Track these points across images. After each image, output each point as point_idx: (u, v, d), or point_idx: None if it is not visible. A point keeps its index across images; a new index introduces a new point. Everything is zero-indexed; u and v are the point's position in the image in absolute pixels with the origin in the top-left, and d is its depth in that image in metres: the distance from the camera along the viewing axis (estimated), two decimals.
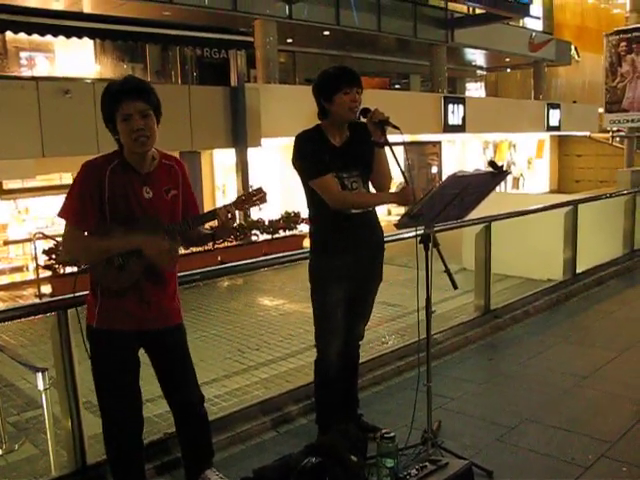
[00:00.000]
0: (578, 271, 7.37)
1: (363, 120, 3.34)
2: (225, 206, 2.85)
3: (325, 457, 3.03)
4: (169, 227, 2.82)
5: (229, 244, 11.93)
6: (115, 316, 2.80)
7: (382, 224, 3.65)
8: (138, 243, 2.72)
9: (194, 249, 11.13)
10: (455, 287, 3.18)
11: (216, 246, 11.73)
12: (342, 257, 3.42)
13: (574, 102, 27.77)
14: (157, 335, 2.91)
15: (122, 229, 2.73)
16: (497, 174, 3.17)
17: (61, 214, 2.76)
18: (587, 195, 9.40)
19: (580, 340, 5.56)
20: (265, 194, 2.90)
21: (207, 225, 3.03)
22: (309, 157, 3.36)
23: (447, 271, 3.17)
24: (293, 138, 3.43)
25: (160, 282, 2.87)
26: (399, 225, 3.13)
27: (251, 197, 2.90)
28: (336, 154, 3.37)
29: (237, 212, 2.91)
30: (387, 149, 3.33)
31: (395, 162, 3.21)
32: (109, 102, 2.70)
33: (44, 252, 10.39)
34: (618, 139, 24.42)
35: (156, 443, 3.53)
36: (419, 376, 3.45)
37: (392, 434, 3.06)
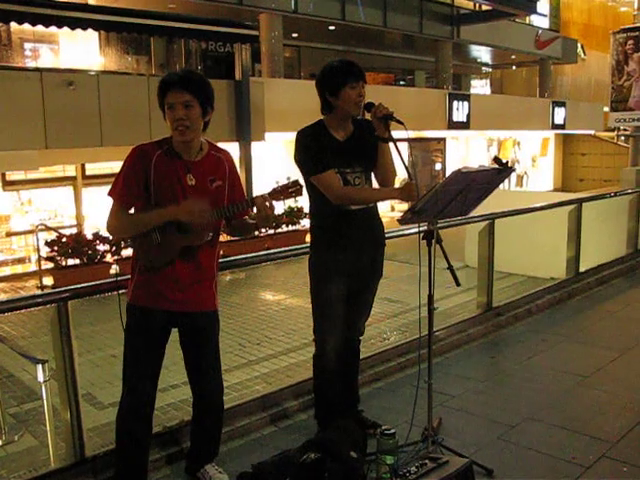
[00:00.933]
0: (581, 270, 7.35)
1: (367, 114, 3.32)
2: (262, 195, 2.90)
3: (324, 453, 3.02)
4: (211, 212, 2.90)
5: (231, 238, 11.90)
6: (147, 294, 2.93)
7: (385, 220, 3.63)
8: (174, 209, 2.83)
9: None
10: (458, 284, 3.17)
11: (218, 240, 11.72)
12: (342, 253, 3.40)
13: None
14: (187, 318, 3.00)
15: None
16: (502, 171, 3.14)
17: (110, 193, 2.92)
18: (591, 194, 9.37)
19: (582, 339, 5.54)
20: (301, 187, 2.93)
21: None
22: (311, 153, 3.34)
23: (450, 268, 3.15)
24: (297, 132, 3.41)
25: (197, 265, 2.96)
26: (402, 221, 3.11)
27: (287, 189, 2.92)
28: (339, 149, 3.35)
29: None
30: (391, 145, 3.31)
31: (399, 157, 3.19)
32: (159, 91, 2.87)
33: (46, 244, 10.38)
34: (623, 138, 24.35)
35: (158, 435, 3.52)
36: (420, 373, 3.44)
37: (392, 431, 3.05)
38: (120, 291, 3.13)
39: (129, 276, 3.03)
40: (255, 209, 2.90)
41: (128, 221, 2.92)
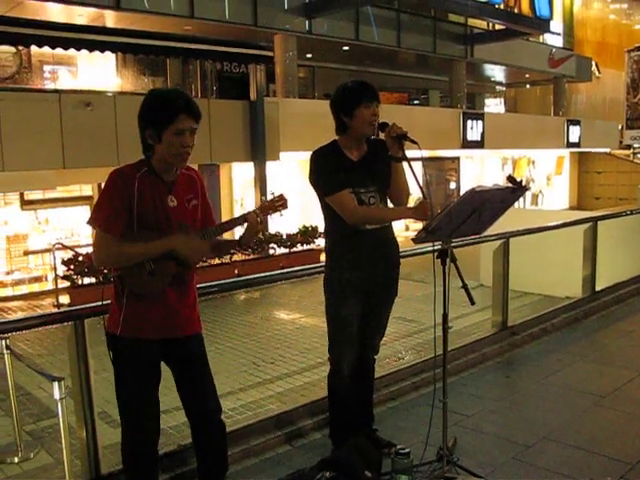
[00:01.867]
0: (597, 289, 7.29)
1: (381, 134, 3.34)
2: (254, 211, 2.92)
3: (339, 472, 3.01)
4: (203, 231, 2.89)
5: (246, 257, 11.96)
6: (140, 324, 2.82)
7: (400, 239, 3.64)
8: (172, 243, 2.78)
9: (211, 261, 11.20)
10: (472, 302, 3.16)
11: (234, 259, 11.78)
12: (357, 272, 3.42)
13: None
14: (179, 344, 2.93)
15: (156, 234, 2.78)
16: (516, 189, 3.15)
17: (91, 222, 2.79)
18: (607, 212, 9.32)
19: (599, 359, 5.50)
20: (286, 200, 2.97)
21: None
22: (325, 173, 3.37)
23: (464, 286, 3.15)
24: (311, 152, 3.44)
25: (184, 290, 2.92)
26: (416, 240, 3.12)
27: (273, 203, 2.97)
28: (353, 169, 3.37)
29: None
30: (405, 164, 3.33)
31: (413, 177, 3.21)
32: (164, 111, 2.73)
33: (63, 262, 10.47)
34: (639, 156, 24.24)
35: (170, 454, 3.53)
36: (435, 392, 3.43)
37: (407, 450, 3.05)
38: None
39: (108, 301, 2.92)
40: (245, 225, 2.90)
41: (120, 252, 2.76)
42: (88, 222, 2.80)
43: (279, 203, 2.96)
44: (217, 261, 11.37)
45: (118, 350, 2.88)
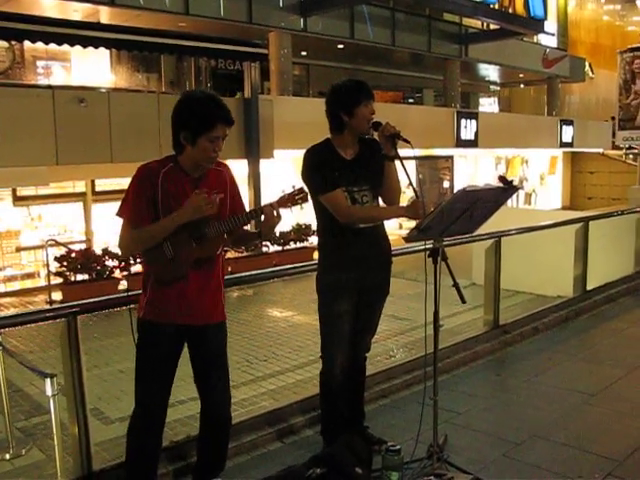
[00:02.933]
0: (588, 288, 7.34)
1: (374, 133, 3.36)
2: (271, 204, 2.98)
3: (330, 469, 3.03)
4: (218, 223, 2.94)
5: (239, 255, 11.96)
6: (160, 309, 2.94)
7: (393, 238, 3.66)
8: (179, 212, 2.84)
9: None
10: (463, 301, 3.19)
11: (227, 257, 11.77)
12: (350, 270, 3.43)
13: (612, 118, 27.56)
14: (200, 331, 3.02)
15: (181, 227, 2.87)
16: (507, 189, 3.17)
17: (119, 213, 2.94)
18: (598, 212, 9.37)
19: (589, 357, 5.54)
20: (306, 194, 3.03)
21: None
22: (318, 172, 3.38)
23: (455, 285, 3.18)
24: (305, 150, 3.45)
25: (207, 278, 3.00)
26: (408, 238, 3.14)
27: (293, 196, 3.01)
28: (347, 168, 3.39)
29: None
30: (398, 163, 3.35)
31: (405, 175, 3.23)
32: (203, 119, 2.83)
33: (56, 259, 10.44)
34: (631, 156, 24.34)
35: (164, 450, 3.54)
36: (425, 390, 3.45)
37: (398, 447, 3.07)
38: (130, 306, 3.16)
39: (139, 291, 3.04)
40: (263, 217, 2.96)
41: (139, 235, 2.90)
42: (116, 214, 2.94)
43: (299, 196, 3.01)
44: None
45: (140, 331, 3.00)
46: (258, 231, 3.10)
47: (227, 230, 2.97)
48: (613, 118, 26.08)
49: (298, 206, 3.05)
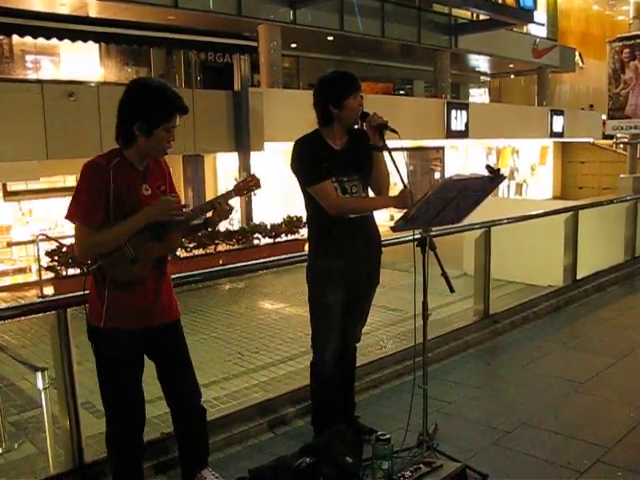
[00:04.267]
0: (578, 277, 7.37)
1: (362, 124, 3.37)
2: (224, 195, 2.95)
3: (320, 458, 3.05)
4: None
5: (231, 247, 11.96)
6: (122, 314, 2.83)
7: (384, 229, 3.67)
8: (143, 213, 2.77)
9: (196, 252, 11.21)
10: (452, 290, 3.20)
11: (218, 249, 11.78)
12: (340, 261, 3.44)
13: (591, 106, 27.85)
14: (160, 331, 2.97)
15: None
16: (494, 178, 3.19)
17: (69, 216, 2.78)
18: (588, 201, 9.41)
19: (579, 346, 5.57)
20: (259, 180, 3.00)
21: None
22: (308, 163, 3.39)
23: (444, 274, 3.19)
24: (295, 141, 3.46)
25: (160, 276, 2.95)
26: (395, 228, 3.15)
27: (246, 183, 2.99)
28: (336, 158, 3.39)
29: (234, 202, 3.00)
30: (386, 154, 3.36)
31: (394, 166, 3.24)
32: (162, 110, 2.77)
33: (47, 254, 10.43)
34: (621, 146, 24.43)
35: (153, 443, 3.55)
36: (415, 379, 3.47)
37: (387, 436, 3.08)
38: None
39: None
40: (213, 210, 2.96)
41: (99, 239, 2.74)
42: (66, 217, 2.79)
43: (252, 183, 2.99)
44: (202, 251, 11.39)
45: (101, 342, 2.88)
46: (204, 220, 3.04)
47: (188, 223, 2.94)
48: (591, 106, 26.31)
49: (252, 193, 3.05)
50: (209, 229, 3.16)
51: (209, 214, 3.02)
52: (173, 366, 3.07)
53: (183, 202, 2.92)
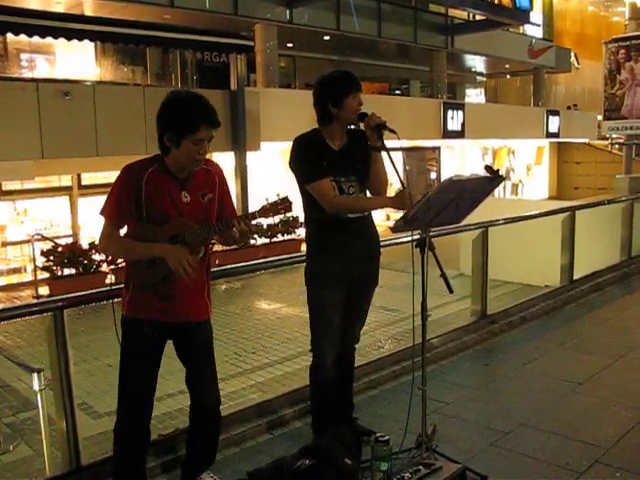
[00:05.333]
0: (575, 277, 7.37)
1: (360, 124, 3.35)
2: (248, 215, 2.90)
3: (319, 460, 3.03)
4: (194, 232, 2.87)
5: (227, 248, 11.91)
6: (143, 307, 2.92)
7: (381, 229, 3.66)
8: (160, 251, 2.82)
9: None
10: (451, 291, 3.19)
11: (214, 250, 11.74)
12: (338, 262, 3.42)
13: (574, 105, 27.96)
14: (183, 329, 3.00)
15: (153, 228, 2.85)
16: (493, 179, 3.17)
17: (102, 212, 2.90)
18: (585, 202, 9.42)
19: (576, 346, 5.57)
20: (291, 204, 2.92)
21: None
22: (307, 161, 3.37)
23: (443, 275, 3.18)
24: (294, 139, 3.44)
25: (191, 280, 2.93)
26: (394, 229, 3.14)
27: (276, 206, 2.92)
28: (334, 158, 3.38)
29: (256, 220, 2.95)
30: (384, 154, 3.34)
31: (392, 166, 3.22)
32: (186, 121, 2.77)
33: (42, 253, 10.39)
34: (617, 146, 24.48)
35: (152, 444, 3.53)
36: (414, 380, 3.46)
37: (386, 437, 3.07)
38: (114, 300, 3.14)
39: (122, 285, 3.01)
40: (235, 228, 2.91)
41: (118, 246, 2.95)
42: (100, 212, 2.91)
43: (282, 206, 2.91)
44: None
45: (123, 329, 2.98)
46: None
47: (205, 237, 2.93)
48: (575, 106, 26.41)
49: (280, 215, 3.00)
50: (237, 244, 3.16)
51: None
52: (193, 365, 3.09)
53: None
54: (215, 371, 3.15)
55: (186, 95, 2.91)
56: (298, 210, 3.54)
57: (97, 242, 2.99)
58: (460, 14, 21.14)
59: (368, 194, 3.52)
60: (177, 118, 2.79)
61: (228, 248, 12.18)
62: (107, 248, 3.04)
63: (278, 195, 2.98)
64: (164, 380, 3.09)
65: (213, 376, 3.14)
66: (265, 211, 2.93)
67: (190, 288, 2.96)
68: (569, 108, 27.50)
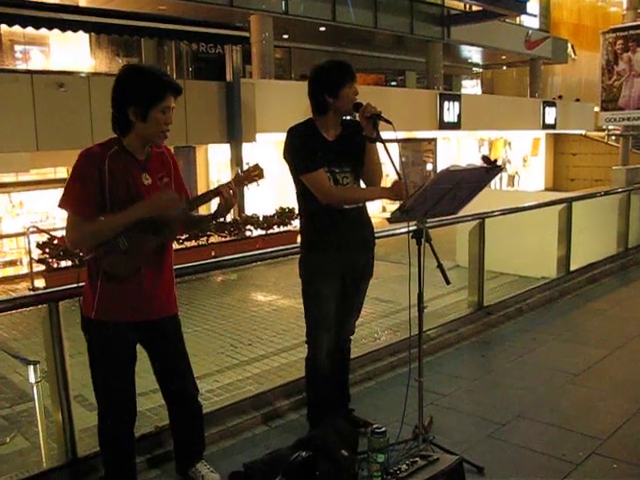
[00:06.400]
0: (572, 269, 7.38)
1: (355, 114, 3.33)
2: (227, 184, 2.87)
3: (315, 451, 3.03)
4: (190, 200, 2.86)
5: (223, 239, 11.92)
6: (114, 307, 2.78)
7: (376, 220, 3.64)
8: (142, 206, 2.71)
9: (188, 244, 11.16)
10: (448, 282, 3.18)
11: (210, 241, 11.74)
12: (333, 253, 3.41)
13: (559, 97, 27.95)
14: (154, 325, 2.92)
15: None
16: (490, 169, 3.16)
17: (62, 204, 2.73)
18: (582, 193, 9.42)
19: (572, 338, 5.57)
20: (262, 170, 2.91)
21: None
22: (301, 151, 3.34)
23: (439, 266, 3.17)
24: (288, 129, 3.42)
25: (160, 272, 2.89)
26: (391, 220, 3.12)
27: (249, 173, 2.92)
28: (328, 149, 3.36)
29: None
30: (380, 145, 3.32)
31: (387, 156, 3.20)
32: (154, 90, 2.71)
33: (38, 246, 10.35)
34: (613, 138, 24.48)
35: (147, 436, 3.52)
36: (410, 372, 3.45)
37: (383, 429, 3.06)
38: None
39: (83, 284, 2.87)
40: (219, 198, 2.86)
41: (91, 229, 2.69)
42: (59, 205, 2.74)
43: (254, 173, 2.91)
44: (194, 243, 11.35)
45: (93, 333, 2.85)
46: (212, 213, 2.97)
47: (187, 213, 2.89)
48: (560, 97, 26.37)
49: (254, 183, 2.95)
50: (218, 220, 3.10)
51: (214, 204, 2.94)
52: (170, 360, 3.04)
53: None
54: (189, 363, 3.10)
55: (145, 66, 2.89)
56: (294, 202, 3.52)
57: (66, 240, 2.81)
58: (456, 5, 21.09)
59: (362, 185, 3.51)
60: (143, 88, 2.72)
61: (224, 240, 12.09)
62: (80, 239, 2.76)
63: (248, 164, 2.96)
64: (149, 374, 3.06)
65: (189, 368, 3.10)
66: (239, 180, 2.91)
67: (160, 279, 2.89)
68: (554, 99, 27.51)
